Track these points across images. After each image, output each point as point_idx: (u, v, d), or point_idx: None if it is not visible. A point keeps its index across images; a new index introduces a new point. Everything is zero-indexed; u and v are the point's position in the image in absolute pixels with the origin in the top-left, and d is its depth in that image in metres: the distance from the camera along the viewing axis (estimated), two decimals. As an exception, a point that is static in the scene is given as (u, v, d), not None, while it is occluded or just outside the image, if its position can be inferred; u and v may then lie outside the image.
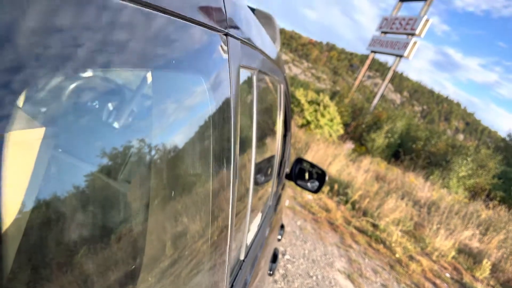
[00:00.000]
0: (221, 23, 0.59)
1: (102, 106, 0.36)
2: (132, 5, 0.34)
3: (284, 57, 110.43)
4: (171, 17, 0.42)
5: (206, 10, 0.52)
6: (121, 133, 0.37)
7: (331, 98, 17.65)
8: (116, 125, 0.36)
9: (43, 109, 0.27)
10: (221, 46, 0.60)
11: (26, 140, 0.25)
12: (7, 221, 0.24)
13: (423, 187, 11.11)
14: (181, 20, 0.44)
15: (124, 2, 0.33)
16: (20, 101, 0.23)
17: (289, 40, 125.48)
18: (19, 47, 0.22)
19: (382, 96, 21.44)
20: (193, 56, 0.50)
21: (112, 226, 0.39)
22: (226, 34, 0.63)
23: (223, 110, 0.63)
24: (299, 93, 15.05)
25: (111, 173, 0.37)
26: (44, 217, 0.28)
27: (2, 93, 0.22)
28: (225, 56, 0.62)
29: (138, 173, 0.43)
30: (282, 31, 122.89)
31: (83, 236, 0.33)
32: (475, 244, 7.41)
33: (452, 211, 8.57)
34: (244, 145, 0.96)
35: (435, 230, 7.18)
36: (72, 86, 0.30)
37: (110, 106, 0.38)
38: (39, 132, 0.26)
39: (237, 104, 0.72)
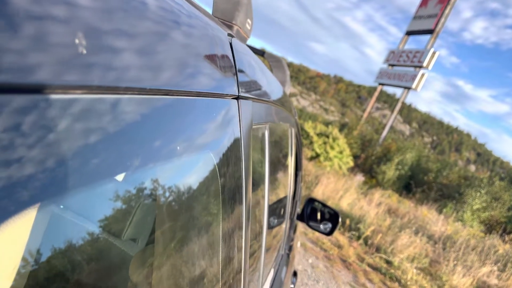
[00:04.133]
0: (232, 88, 0.57)
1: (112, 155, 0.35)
2: (144, 96, 0.32)
3: (292, 90, 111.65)
4: (181, 97, 0.40)
5: (217, 80, 0.51)
6: (130, 178, 0.36)
7: (340, 130, 17.65)
8: (123, 169, 0.34)
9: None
10: (232, 110, 0.58)
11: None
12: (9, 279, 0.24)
13: (437, 221, 10.85)
14: (192, 97, 0.43)
15: (135, 96, 0.31)
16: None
17: (297, 73, 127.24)
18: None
19: (391, 127, 21.41)
20: (203, 128, 0.48)
21: (120, 271, 0.40)
22: (237, 98, 0.61)
23: (235, 171, 0.60)
24: (308, 126, 15.06)
25: (122, 219, 0.37)
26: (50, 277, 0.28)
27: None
28: (236, 119, 0.60)
29: (148, 219, 0.43)
30: (290, 65, 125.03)
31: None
32: (493, 281, 7.12)
33: (469, 246, 8.31)
34: (257, 193, 0.93)
35: (452, 267, 6.94)
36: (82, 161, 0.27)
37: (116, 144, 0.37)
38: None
39: (249, 162, 0.69)
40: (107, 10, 0.28)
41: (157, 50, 0.35)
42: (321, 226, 2.40)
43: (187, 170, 0.47)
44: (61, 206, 0.28)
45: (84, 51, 0.25)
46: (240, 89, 0.62)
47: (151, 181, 0.40)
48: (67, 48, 0.24)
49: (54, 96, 0.23)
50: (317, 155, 14.38)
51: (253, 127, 0.73)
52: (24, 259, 0.25)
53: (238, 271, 0.69)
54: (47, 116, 0.23)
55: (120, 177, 0.33)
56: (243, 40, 0.92)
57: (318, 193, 9.04)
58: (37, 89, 0.22)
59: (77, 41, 0.24)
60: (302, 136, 14.66)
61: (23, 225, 0.23)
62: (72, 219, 0.31)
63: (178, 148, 0.40)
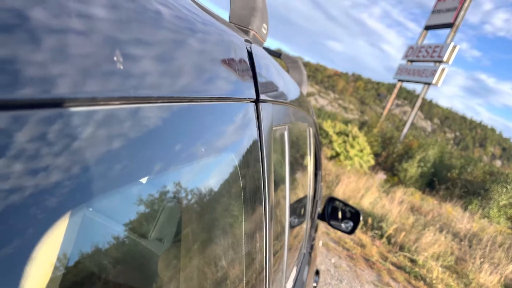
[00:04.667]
0: (252, 92, 0.60)
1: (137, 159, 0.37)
2: (170, 104, 0.34)
3: (310, 89, 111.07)
4: (206, 103, 0.42)
5: (238, 85, 0.53)
6: (157, 181, 0.38)
7: (360, 128, 17.47)
8: (151, 173, 0.36)
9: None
10: (253, 113, 0.60)
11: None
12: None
13: (462, 218, 10.61)
14: (215, 103, 0.45)
15: (163, 104, 0.33)
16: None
17: (314, 73, 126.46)
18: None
19: (412, 124, 21.06)
20: (226, 132, 0.50)
21: (148, 271, 0.41)
22: (257, 101, 0.63)
23: (256, 172, 0.63)
24: (327, 125, 14.95)
25: (149, 220, 0.39)
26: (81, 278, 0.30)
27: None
28: (256, 122, 0.62)
29: (174, 220, 0.45)
30: (307, 64, 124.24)
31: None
32: (522, 278, 6.94)
33: (495, 243, 8.12)
34: (278, 193, 0.95)
35: (479, 265, 6.79)
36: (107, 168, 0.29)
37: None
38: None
39: (270, 163, 0.71)
40: (130, 21, 0.29)
41: (183, 61, 0.38)
42: (343, 225, 2.41)
43: (211, 172, 0.50)
44: (90, 209, 0.30)
45: (121, 66, 0.27)
46: (259, 92, 0.64)
47: (177, 183, 0.41)
48: (99, 61, 0.25)
49: (80, 108, 0.24)
50: (337, 154, 14.26)
51: (273, 128, 0.75)
52: (59, 259, 0.26)
53: (262, 270, 0.71)
54: (84, 128, 0.24)
55: (147, 180, 0.35)
56: (259, 44, 0.94)
57: (339, 193, 8.98)
58: (67, 101, 0.23)
59: (106, 54, 0.26)
60: (321, 135, 14.57)
61: (58, 227, 0.24)
62: (102, 221, 0.32)
63: (203, 150, 0.42)
